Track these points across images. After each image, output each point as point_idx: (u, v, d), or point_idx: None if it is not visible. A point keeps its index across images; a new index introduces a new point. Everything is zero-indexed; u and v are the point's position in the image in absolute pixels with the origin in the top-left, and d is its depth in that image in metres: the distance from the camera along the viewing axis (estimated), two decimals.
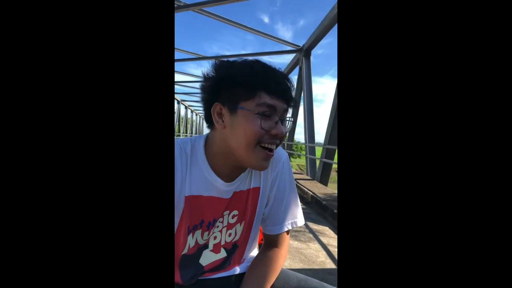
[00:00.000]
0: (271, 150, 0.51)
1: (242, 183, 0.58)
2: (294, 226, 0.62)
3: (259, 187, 0.60)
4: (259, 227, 0.65)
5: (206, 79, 0.53)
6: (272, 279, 0.57)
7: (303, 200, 3.89)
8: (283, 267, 0.64)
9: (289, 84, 0.52)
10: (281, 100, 0.50)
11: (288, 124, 0.54)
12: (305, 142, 6.62)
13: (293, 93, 0.53)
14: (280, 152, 0.62)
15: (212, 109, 0.52)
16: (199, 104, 0.75)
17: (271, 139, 0.50)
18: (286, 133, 0.52)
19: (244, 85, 0.49)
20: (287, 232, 0.63)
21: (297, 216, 0.63)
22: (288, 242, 0.65)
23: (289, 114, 0.54)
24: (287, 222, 0.61)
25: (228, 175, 0.56)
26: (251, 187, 0.59)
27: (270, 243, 0.63)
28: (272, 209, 0.62)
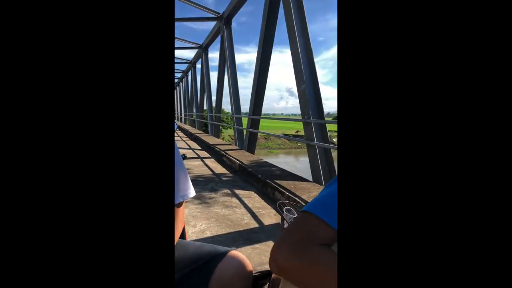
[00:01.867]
0: None
1: None
2: (186, 198, 0.68)
3: None
4: None
5: None
6: None
7: (232, 169, 4.06)
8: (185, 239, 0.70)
9: None
10: None
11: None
12: (232, 114, 6.72)
13: None
14: None
15: None
16: None
17: None
18: None
19: None
20: (179, 204, 0.68)
21: (187, 189, 0.69)
22: (181, 214, 0.70)
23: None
24: (178, 196, 0.67)
25: None
26: None
27: None
28: None
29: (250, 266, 0.65)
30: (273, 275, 0.54)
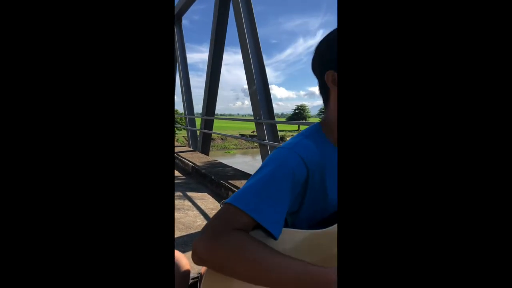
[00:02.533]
0: None
1: None
2: None
3: None
4: None
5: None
6: None
7: (185, 171, 3.96)
8: None
9: None
10: None
11: None
12: (184, 114, 6.56)
13: None
14: None
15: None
16: None
17: None
18: None
19: None
20: None
21: None
22: None
23: None
24: None
25: None
26: None
27: None
28: None
29: (187, 265, 0.66)
30: (202, 270, 0.56)
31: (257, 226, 0.46)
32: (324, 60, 0.56)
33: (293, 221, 0.55)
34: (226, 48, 4.96)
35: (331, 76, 0.55)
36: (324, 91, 0.59)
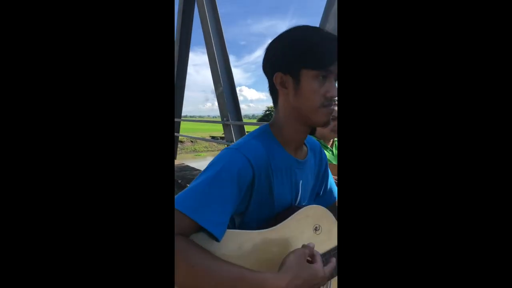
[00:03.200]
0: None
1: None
2: None
3: None
4: None
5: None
6: None
7: None
8: None
9: None
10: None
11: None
12: None
13: None
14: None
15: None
16: None
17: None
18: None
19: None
20: None
21: None
22: None
23: None
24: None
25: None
26: None
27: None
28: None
29: None
30: None
31: (201, 228, 0.45)
32: (273, 62, 0.56)
33: (241, 222, 0.54)
34: (195, 48, 4.89)
35: (279, 78, 0.55)
36: (274, 93, 0.59)
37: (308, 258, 0.49)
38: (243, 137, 0.58)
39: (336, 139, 1.39)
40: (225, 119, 3.55)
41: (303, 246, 0.50)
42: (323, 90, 0.52)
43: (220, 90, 3.56)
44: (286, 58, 0.53)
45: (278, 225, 0.51)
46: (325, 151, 1.30)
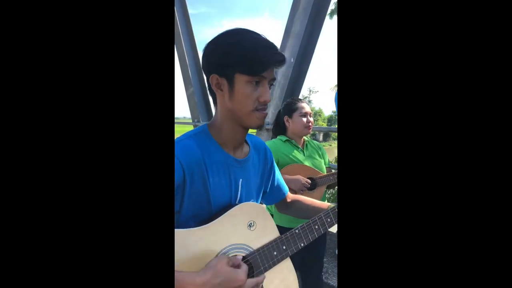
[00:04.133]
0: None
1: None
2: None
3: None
4: None
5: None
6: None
7: None
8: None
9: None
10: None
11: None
12: None
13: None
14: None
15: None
16: None
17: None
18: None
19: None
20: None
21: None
22: None
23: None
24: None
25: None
26: None
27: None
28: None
29: None
30: None
31: None
32: (210, 64, 0.57)
33: (177, 221, 0.56)
34: None
35: (215, 80, 0.57)
36: (213, 93, 0.60)
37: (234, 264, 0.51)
38: (179, 136, 0.60)
39: (307, 139, 1.42)
40: (195, 120, 3.52)
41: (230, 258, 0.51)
42: (256, 95, 0.55)
43: (191, 91, 3.52)
44: (222, 62, 0.55)
45: (211, 223, 0.53)
46: (296, 151, 1.33)
